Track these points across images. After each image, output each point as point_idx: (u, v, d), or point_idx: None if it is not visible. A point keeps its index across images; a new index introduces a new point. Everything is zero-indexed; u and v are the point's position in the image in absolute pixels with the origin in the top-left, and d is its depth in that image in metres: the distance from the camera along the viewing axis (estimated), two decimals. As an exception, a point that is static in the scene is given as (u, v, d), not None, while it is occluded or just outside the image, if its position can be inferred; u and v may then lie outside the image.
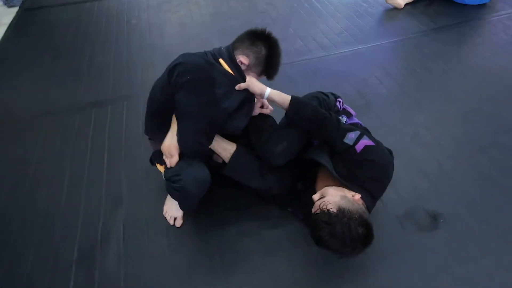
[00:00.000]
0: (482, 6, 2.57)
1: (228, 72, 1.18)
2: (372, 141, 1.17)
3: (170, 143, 1.18)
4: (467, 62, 2.14)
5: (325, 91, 1.43)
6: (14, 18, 2.84)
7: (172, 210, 1.41)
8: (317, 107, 1.24)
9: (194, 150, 1.19)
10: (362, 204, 1.12)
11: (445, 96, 1.91)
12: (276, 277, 1.22)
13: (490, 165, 1.53)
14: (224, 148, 1.28)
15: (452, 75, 2.05)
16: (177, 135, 1.17)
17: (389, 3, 2.63)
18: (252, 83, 1.21)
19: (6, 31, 2.68)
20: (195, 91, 1.12)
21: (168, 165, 1.20)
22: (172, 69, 1.13)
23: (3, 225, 1.43)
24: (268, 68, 1.23)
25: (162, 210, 1.44)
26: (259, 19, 2.62)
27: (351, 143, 1.15)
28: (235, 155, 1.27)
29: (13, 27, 2.74)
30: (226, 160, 1.29)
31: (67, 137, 1.80)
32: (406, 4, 2.63)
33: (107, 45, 2.48)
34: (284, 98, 1.24)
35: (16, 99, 2.07)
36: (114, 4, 2.99)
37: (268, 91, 1.23)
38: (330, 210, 1.04)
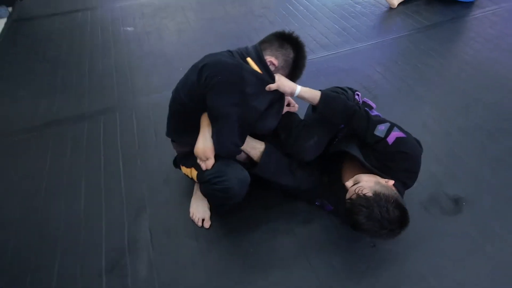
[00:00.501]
0: (469, 4, 2.72)
1: (257, 71, 1.18)
2: (403, 132, 1.19)
3: (205, 146, 1.17)
4: (462, 56, 2.25)
5: (345, 87, 1.46)
6: (4, 29, 2.75)
7: (199, 212, 1.39)
8: (346, 100, 1.25)
9: (231, 152, 1.19)
10: (395, 190, 1.15)
11: (446, 88, 2.00)
12: (314, 270, 1.22)
13: (498, 149, 1.61)
14: (254, 147, 1.29)
15: (450, 68, 2.15)
16: (212, 137, 1.16)
17: (388, 1, 2.73)
18: (282, 82, 1.20)
19: (-2, 43, 2.59)
20: (227, 92, 1.12)
21: (204, 167, 1.19)
22: (201, 70, 1.13)
23: (21, 239, 1.37)
24: (295, 70, 1.24)
25: (187, 213, 1.42)
26: (257, 23, 2.66)
27: (382, 135, 1.16)
28: (265, 153, 1.28)
29: (4, 39, 2.65)
30: (256, 159, 1.29)
31: (78, 147, 1.75)
32: (399, 4, 2.75)
33: (106, 52, 2.44)
34: (314, 94, 1.24)
35: (18, 110, 1.99)
36: (107, 13, 2.95)
37: (298, 89, 1.23)
38: (366, 194, 1.06)
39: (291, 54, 1.20)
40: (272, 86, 1.18)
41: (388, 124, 1.19)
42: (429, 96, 1.95)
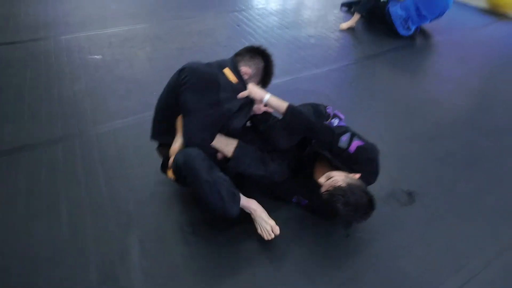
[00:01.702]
0: (406, 37, 3.26)
1: (232, 80, 1.36)
2: (362, 140, 1.40)
3: (177, 146, 1.31)
4: (401, 78, 2.69)
5: (315, 103, 1.67)
6: (-43, 58, 2.63)
7: (264, 226, 1.36)
8: (310, 117, 1.41)
9: (198, 145, 1.30)
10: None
11: (390, 103, 2.37)
12: (299, 263, 1.36)
13: (437, 150, 1.94)
14: (226, 144, 1.41)
15: (394, 87, 2.55)
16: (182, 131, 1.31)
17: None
18: (253, 90, 1.40)
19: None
20: (200, 92, 1.30)
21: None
22: (181, 71, 1.32)
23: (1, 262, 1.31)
24: (265, 77, 1.48)
25: (175, 219, 1.49)
26: (224, 51, 2.88)
27: (345, 146, 1.36)
28: (238, 148, 1.41)
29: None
30: (229, 154, 1.40)
31: (54, 168, 1.72)
32: (347, 28, 3.21)
33: (76, 79, 2.45)
34: (281, 105, 1.41)
35: (-18, 136, 1.91)
36: (72, 42, 2.97)
37: (267, 97, 1.41)
38: (341, 185, 1.25)
39: (261, 64, 1.44)
40: (244, 93, 1.38)
41: (348, 135, 1.39)
42: (379, 111, 2.28)
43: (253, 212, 1.37)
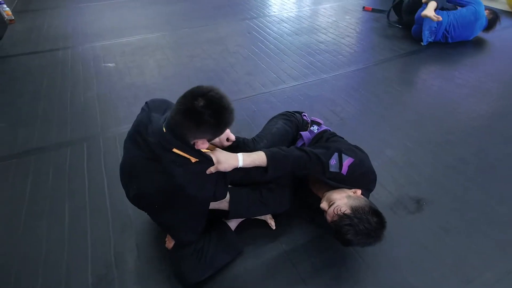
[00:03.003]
0: (418, 42, 3.17)
1: (191, 159, 1.07)
2: (349, 155, 1.26)
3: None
4: (412, 83, 2.60)
5: (292, 111, 1.63)
6: (-19, 67, 2.79)
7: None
8: (293, 154, 1.23)
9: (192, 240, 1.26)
10: (363, 196, 1.29)
11: (400, 109, 2.28)
12: (297, 268, 1.31)
13: (448, 157, 1.85)
14: (220, 202, 1.27)
15: (402, 93, 2.47)
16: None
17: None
18: (221, 162, 1.11)
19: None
20: (176, 207, 1.14)
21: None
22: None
23: (1, 260, 1.34)
24: (224, 128, 1.08)
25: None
26: (232, 58, 2.91)
27: (337, 170, 1.24)
28: (231, 202, 1.29)
29: (-19, 75, 2.68)
30: (226, 208, 1.31)
31: (60, 171, 1.77)
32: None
33: (88, 85, 2.54)
34: (258, 159, 1.18)
35: (-4, 139, 2.00)
36: (88, 51, 3.09)
37: (240, 162, 1.15)
38: (345, 212, 1.18)
39: (211, 122, 1.00)
40: (211, 169, 1.11)
41: (336, 156, 1.24)
42: (387, 116, 2.21)
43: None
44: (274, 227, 1.45)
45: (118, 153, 1.89)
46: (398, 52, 3.04)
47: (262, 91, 2.47)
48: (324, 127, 1.57)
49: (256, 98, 2.39)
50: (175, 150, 1.05)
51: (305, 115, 1.64)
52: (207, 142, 1.09)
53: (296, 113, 1.62)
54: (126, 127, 2.08)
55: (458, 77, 2.64)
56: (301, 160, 1.23)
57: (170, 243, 1.34)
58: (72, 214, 1.54)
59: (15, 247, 1.40)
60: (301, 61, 2.89)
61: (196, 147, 1.07)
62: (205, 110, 0.98)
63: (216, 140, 1.27)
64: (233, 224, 1.43)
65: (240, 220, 1.46)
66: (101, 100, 2.38)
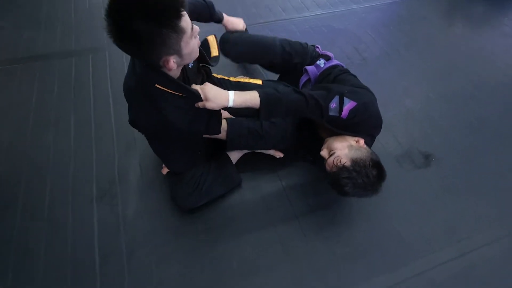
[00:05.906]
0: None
1: (173, 93, 0.96)
2: (352, 98, 1.14)
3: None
4: (451, 28, 2.31)
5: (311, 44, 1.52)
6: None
7: None
8: (289, 97, 1.10)
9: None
10: (366, 146, 1.23)
11: (432, 56, 2.07)
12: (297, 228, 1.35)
13: (470, 114, 1.73)
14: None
15: (438, 37, 2.21)
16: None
17: None
18: (209, 100, 0.99)
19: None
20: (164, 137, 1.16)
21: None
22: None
23: (10, 167, 1.40)
24: (169, 23, 0.79)
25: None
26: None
27: (336, 113, 1.13)
28: (229, 131, 1.27)
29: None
30: (224, 138, 1.29)
31: (66, 82, 1.73)
32: None
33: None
34: (252, 102, 1.05)
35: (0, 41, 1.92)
36: None
37: (231, 102, 1.02)
38: (345, 164, 1.13)
39: (146, 29, 0.77)
40: (200, 104, 1.00)
41: (337, 97, 1.13)
42: (414, 61, 2.02)
43: None
44: (281, 155, 1.45)
45: (124, 70, 1.79)
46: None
47: (283, 17, 2.24)
48: (334, 62, 1.44)
49: (275, 25, 2.18)
50: (157, 85, 0.93)
51: (318, 47, 1.50)
52: (179, 56, 0.87)
53: (308, 46, 1.50)
54: (133, 42, 1.96)
55: (506, 25, 2.33)
56: (298, 104, 1.10)
57: (165, 169, 1.37)
58: (78, 126, 1.54)
59: (24, 154, 1.44)
60: (330, -15, 2.55)
61: (168, 68, 0.88)
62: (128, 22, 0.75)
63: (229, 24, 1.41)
64: (235, 156, 1.42)
65: (243, 152, 1.45)
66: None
